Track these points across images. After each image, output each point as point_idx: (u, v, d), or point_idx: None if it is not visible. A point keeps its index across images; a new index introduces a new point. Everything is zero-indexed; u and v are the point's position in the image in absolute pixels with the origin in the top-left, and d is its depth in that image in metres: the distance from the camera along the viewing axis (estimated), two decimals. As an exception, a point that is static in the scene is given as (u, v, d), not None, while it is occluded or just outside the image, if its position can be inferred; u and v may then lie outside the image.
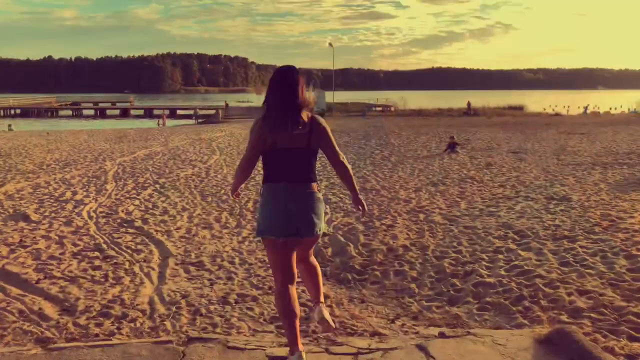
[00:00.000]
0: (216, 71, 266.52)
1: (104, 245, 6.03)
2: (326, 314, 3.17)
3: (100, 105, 75.29)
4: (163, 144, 20.31)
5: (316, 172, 3.09)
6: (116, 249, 5.87)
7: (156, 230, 6.82)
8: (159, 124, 41.59)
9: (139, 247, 5.98)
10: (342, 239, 6.12)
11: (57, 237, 6.40)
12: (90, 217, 7.66)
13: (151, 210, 8.17)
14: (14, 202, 8.77)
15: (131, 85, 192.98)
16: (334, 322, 3.36)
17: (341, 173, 3.20)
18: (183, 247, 5.99)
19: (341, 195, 9.19)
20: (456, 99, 75.35)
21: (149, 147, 19.04)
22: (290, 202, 2.91)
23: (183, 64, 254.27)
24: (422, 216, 7.36)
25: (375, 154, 15.93)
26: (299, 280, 3.24)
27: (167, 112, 59.44)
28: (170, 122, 44.88)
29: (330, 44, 52.23)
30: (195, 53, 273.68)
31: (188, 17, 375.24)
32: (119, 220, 7.47)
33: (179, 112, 63.92)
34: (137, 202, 8.81)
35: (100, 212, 7.99)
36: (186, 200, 8.99)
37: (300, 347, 2.92)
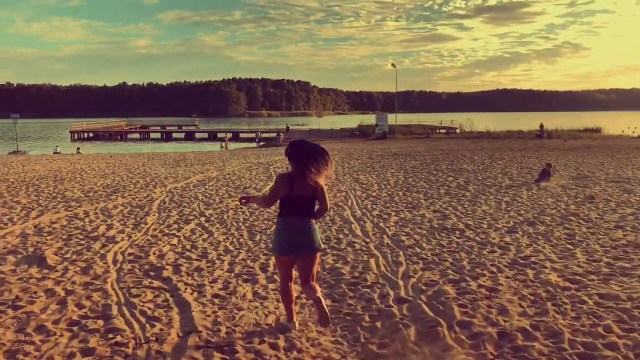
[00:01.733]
0: (279, 95, 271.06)
1: (114, 308, 4.66)
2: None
3: (167, 128, 77.28)
4: (220, 168, 19.35)
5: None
6: (127, 315, 4.50)
7: (186, 285, 5.41)
8: (222, 147, 41.54)
9: (157, 313, 4.58)
10: (429, 311, 4.45)
11: (63, 293, 5.12)
12: (115, 262, 6.39)
13: (188, 253, 6.81)
14: (39, 239, 7.71)
15: (198, 109, 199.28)
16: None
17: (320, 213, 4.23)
18: (213, 314, 4.52)
19: (416, 236, 7.51)
20: (524, 121, 71.52)
21: (204, 171, 18.09)
22: (297, 230, 4.06)
23: (247, 89, 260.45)
24: (530, 273, 5.55)
25: (449, 181, 14.08)
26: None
27: (230, 135, 59.73)
28: (232, 145, 44.83)
29: (393, 65, 50.69)
30: (259, 78, 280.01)
31: (253, 44, 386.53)
32: (146, 267, 6.15)
33: (241, 135, 64.35)
34: (174, 241, 7.50)
35: (129, 255, 6.73)
36: (231, 239, 7.61)
37: (295, 321, 4.30)
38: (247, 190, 12.89)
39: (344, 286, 5.31)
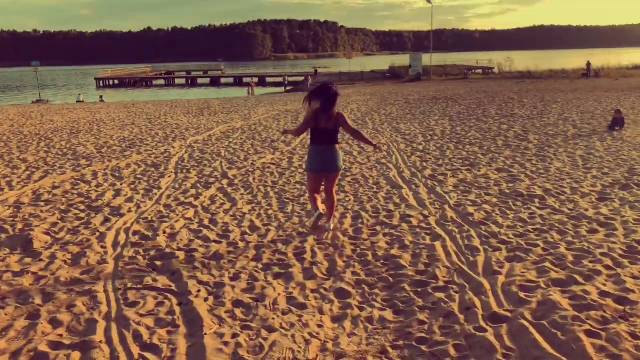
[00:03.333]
0: (306, 37, 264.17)
1: (100, 328, 3.42)
2: (332, 225, 5.42)
3: (192, 74, 75.64)
4: (245, 117, 17.94)
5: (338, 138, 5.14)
6: (115, 342, 3.24)
7: (199, 284, 4.14)
8: (248, 93, 40.03)
9: (156, 337, 3.30)
10: (544, 342, 3.03)
11: (38, 300, 3.91)
12: (115, 246, 5.16)
13: (205, 231, 5.53)
14: (34, 210, 6.55)
15: (224, 53, 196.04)
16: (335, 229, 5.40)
17: (354, 135, 5.39)
18: (233, 341, 3.22)
19: (487, 207, 6.04)
20: (565, 60, 67.41)
21: (229, 121, 16.72)
22: (325, 154, 5.15)
23: (273, 31, 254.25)
24: (664, 268, 4.07)
25: (504, 130, 12.38)
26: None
27: (256, 80, 57.87)
28: (259, 91, 43.17)
29: (428, 1, 47.28)
30: (285, 19, 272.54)
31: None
32: (152, 253, 4.90)
33: (268, 79, 62.37)
34: (190, 214, 6.23)
35: (134, 235, 5.49)
36: (258, 210, 6.29)
37: (320, 207, 5.18)
38: (274, 145, 11.49)
39: (407, 287, 3.96)
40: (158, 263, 4.66)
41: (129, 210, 6.45)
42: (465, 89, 28.35)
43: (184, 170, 8.91)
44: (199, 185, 7.79)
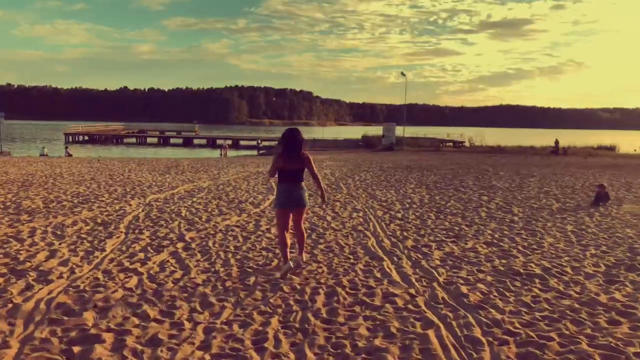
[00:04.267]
0: (281, 104, 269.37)
1: None
2: (303, 257, 6.02)
3: (166, 133, 75.00)
4: (214, 177, 17.06)
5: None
6: None
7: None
8: (221, 154, 39.49)
9: None
10: None
11: None
12: (28, 322, 4.09)
13: (145, 306, 4.50)
14: (-58, 272, 5.41)
15: (199, 116, 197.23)
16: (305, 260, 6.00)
17: (313, 178, 6.00)
18: None
19: (482, 286, 5.21)
20: (531, 137, 69.44)
21: (196, 180, 15.80)
22: (291, 191, 5.69)
23: (250, 97, 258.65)
24: None
25: (485, 201, 11.80)
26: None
27: (229, 142, 57.52)
28: (232, 153, 42.68)
29: (402, 73, 48.59)
30: (262, 86, 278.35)
31: (256, 52, 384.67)
32: (72, 335, 3.85)
33: (242, 142, 62.15)
34: (132, 283, 5.20)
35: (57, 307, 4.42)
36: (213, 281, 5.30)
37: (290, 263, 5.60)
38: (241, 206, 10.59)
39: (398, 395, 3.01)
40: (76, 349, 3.60)
41: (60, 276, 5.38)
42: (439, 160, 28.28)
43: (136, 231, 7.89)
44: (149, 248, 6.77)
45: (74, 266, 5.78)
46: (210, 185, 14.36)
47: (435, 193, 13.24)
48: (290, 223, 5.88)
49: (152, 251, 6.62)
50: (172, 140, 67.52)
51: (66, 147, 35.83)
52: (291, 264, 5.59)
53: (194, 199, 11.52)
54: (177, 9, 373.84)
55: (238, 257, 6.36)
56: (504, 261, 6.26)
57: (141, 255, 6.39)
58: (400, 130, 48.22)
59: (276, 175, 5.74)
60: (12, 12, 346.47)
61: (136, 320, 4.18)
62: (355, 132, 74.39)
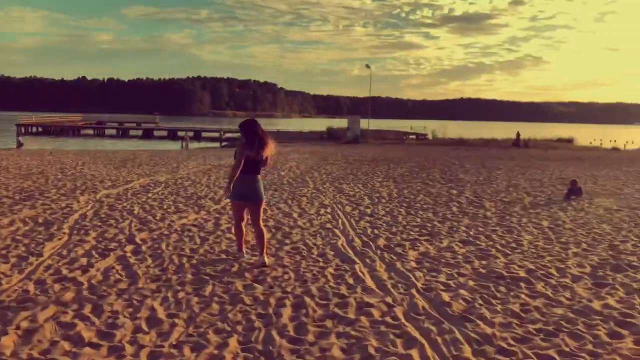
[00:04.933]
0: (245, 96, 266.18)
1: None
2: (266, 259, 5.57)
3: (125, 125, 72.62)
4: (172, 170, 16.21)
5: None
6: None
7: None
8: (182, 147, 38.29)
9: None
10: None
11: None
12: None
13: (80, 327, 3.82)
14: None
15: (161, 107, 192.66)
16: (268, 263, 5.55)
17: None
18: None
19: (464, 292, 4.73)
20: (491, 130, 70.53)
21: (153, 174, 14.93)
22: (248, 183, 5.52)
23: (212, 88, 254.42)
24: None
25: (454, 195, 11.45)
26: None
27: (191, 134, 56.01)
28: (194, 145, 41.45)
29: (367, 65, 48.44)
30: (225, 77, 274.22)
31: (220, 43, 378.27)
32: (-17, 368, 3.16)
33: (204, 134, 60.67)
34: (68, 296, 4.49)
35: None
36: (164, 292, 4.65)
37: (244, 251, 5.88)
38: (200, 202, 9.89)
39: None
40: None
41: (-17, 288, 4.62)
42: (403, 153, 28.04)
43: (81, 232, 7.11)
44: (94, 252, 6.03)
45: (0, 276, 5.01)
46: (168, 180, 13.55)
47: (404, 187, 12.83)
48: (247, 219, 5.80)
49: (96, 256, 5.89)
50: (131, 132, 65.39)
51: (19, 141, 33.83)
52: (244, 254, 5.76)
53: (149, 195, 10.73)
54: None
55: (194, 261, 5.71)
56: (484, 262, 5.82)
57: (83, 260, 5.66)
58: (365, 123, 48.00)
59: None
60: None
61: (66, 346, 3.50)
62: (319, 124, 73.91)
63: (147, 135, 62.52)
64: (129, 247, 6.27)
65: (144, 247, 6.30)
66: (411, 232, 7.42)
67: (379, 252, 6.25)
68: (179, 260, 5.75)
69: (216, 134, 52.46)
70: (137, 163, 18.87)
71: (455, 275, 5.27)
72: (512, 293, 4.74)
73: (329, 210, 9.26)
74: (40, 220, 7.82)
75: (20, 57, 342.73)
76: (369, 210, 9.24)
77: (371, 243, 6.69)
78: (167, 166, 17.78)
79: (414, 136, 55.67)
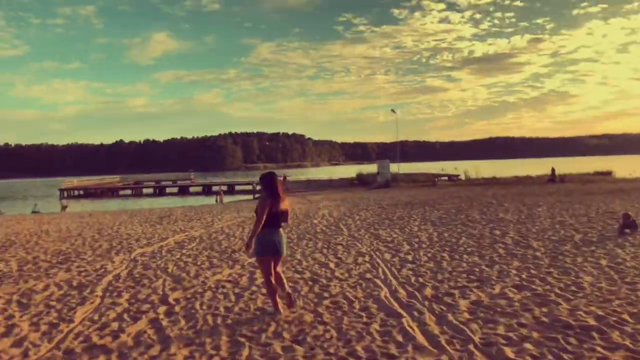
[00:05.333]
0: (275, 148, 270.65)
1: None
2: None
3: (162, 183, 74.17)
4: (207, 225, 16.11)
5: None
6: None
7: None
8: (216, 201, 38.72)
9: None
10: None
11: None
12: None
13: (109, 401, 3.50)
14: None
15: (195, 164, 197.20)
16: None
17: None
18: None
19: (529, 347, 4.23)
20: (524, 167, 69.18)
21: (188, 230, 14.85)
22: (276, 237, 5.51)
23: (243, 143, 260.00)
24: None
25: (498, 236, 10.87)
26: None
27: (224, 188, 56.69)
28: (228, 198, 41.79)
29: (393, 110, 48.34)
30: (255, 132, 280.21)
31: (248, 100, 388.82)
32: None
33: (237, 187, 61.37)
34: (97, 366, 4.21)
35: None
36: (197, 358, 4.31)
37: (280, 309, 5.57)
38: (234, 256, 9.62)
39: None
40: None
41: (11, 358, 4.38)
42: (437, 195, 27.44)
43: (114, 294, 6.90)
44: (125, 315, 5.78)
45: (29, 346, 4.78)
46: (202, 234, 13.40)
47: (443, 230, 12.31)
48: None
49: (128, 319, 5.62)
50: (167, 190, 66.70)
51: (63, 206, 34.73)
52: (282, 310, 5.60)
53: (184, 251, 10.55)
54: (168, 63, 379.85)
55: (229, 321, 5.37)
56: (544, 309, 5.29)
57: (115, 325, 5.40)
58: (394, 167, 47.65)
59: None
60: (9, 74, 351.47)
61: None
62: (348, 171, 73.94)
63: (183, 191, 63.64)
64: (161, 309, 6.00)
65: (177, 308, 6.01)
66: (459, 279, 6.93)
67: (426, 303, 5.78)
68: (214, 320, 5.43)
69: (249, 187, 52.93)
70: (172, 219, 18.92)
71: (516, 326, 4.77)
72: (585, 345, 4.21)
73: (367, 258, 8.84)
74: (74, 284, 7.66)
75: (62, 125, 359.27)
76: (410, 257, 8.78)
77: (417, 293, 6.23)
78: (201, 221, 17.73)
79: (445, 178, 54.95)
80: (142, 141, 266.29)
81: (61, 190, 62.61)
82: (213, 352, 4.48)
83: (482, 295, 6.02)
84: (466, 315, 5.23)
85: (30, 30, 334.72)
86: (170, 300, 6.39)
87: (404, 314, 5.38)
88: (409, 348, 4.34)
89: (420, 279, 7.00)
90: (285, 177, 53.00)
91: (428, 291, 6.31)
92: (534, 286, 6.35)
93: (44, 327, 5.39)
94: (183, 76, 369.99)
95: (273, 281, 5.56)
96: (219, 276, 7.79)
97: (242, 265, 8.61)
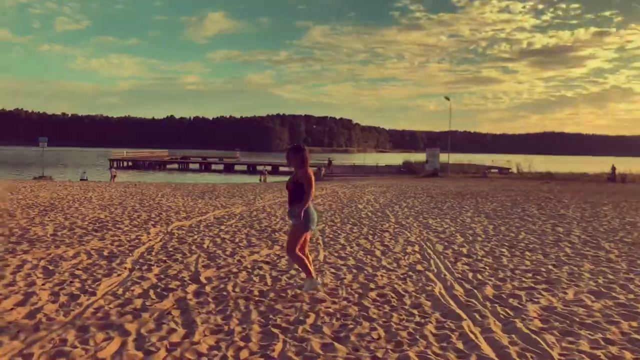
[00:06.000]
0: (321, 132, 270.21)
1: None
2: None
3: (208, 160, 75.11)
4: (248, 202, 15.69)
5: None
6: None
7: None
8: (260, 180, 38.72)
9: None
10: None
11: None
12: None
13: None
14: None
15: (242, 143, 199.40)
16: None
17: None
18: None
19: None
20: (578, 164, 65.91)
21: (229, 206, 14.45)
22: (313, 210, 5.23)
23: (290, 125, 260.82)
24: None
25: (562, 233, 9.87)
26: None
27: (269, 168, 56.68)
28: (272, 178, 41.70)
29: (446, 98, 46.69)
30: (303, 115, 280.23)
31: (298, 82, 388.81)
32: None
33: (281, 168, 61.28)
34: (110, 350, 3.69)
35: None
36: (223, 350, 3.74)
37: (314, 275, 5.30)
38: (274, 236, 9.06)
39: None
40: None
41: (15, 336, 3.93)
42: (488, 187, 26.15)
43: (144, 267, 6.44)
44: (152, 292, 5.28)
45: (43, 319, 4.33)
46: (243, 212, 12.95)
47: (499, 223, 11.37)
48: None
49: (153, 297, 5.12)
50: (213, 167, 67.40)
51: (113, 176, 35.45)
52: (318, 278, 5.51)
53: (222, 227, 10.09)
54: (221, 42, 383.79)
55: (262, 308, 4.77)
56: (633, 324, 4.43)
57: (138, 302, 4.90)
58: (444, 157, 46.20)
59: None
60: (70, 47, 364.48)
61: None
62: (395, 158, 72.54)
63: (228, 169, 64.18)
64: (191, 287, 5.47)
65: (207, 288, 5.47)
66: (523, 279, 6.09)
67: (488, 304, 5.01)
68: (246, 306, 4.84)
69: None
70: (215, 195, 18.63)
71: (602, 343, 3.95)
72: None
73: (416, 248, 8.09)
74: (105, 253, 7.28)
75: (118, 99, 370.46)
76: (464, 250, 7.97)
77: (476, 292, 5.46)
78: (243, 198, 17.35)
79: (496, 170, 53.03)
80: (191, 118, 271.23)
81: (111, 161, 64.28)
82: (242, 343, 3.88)
83: (553, 300, 5.18)
84: (538, 323, 4.44)
85: (92, 5, 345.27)
86: (202, 278, 5.87)
87: (463, 315, 4.63)
88: (473, 359, 3.61)
89: (479, 276, 6.21)
90: (330, 161, 52.40)
91: (489, 290, 5.52)
92: (614, 294, 5.46)
93: (63, 299, 4.95)
94: (235, 56, 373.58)
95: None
96: (256, 256, 7.23)
97: (282, 246, 8.03)
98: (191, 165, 68.42)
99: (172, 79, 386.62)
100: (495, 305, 4.98)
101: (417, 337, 4.06)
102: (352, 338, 4.01)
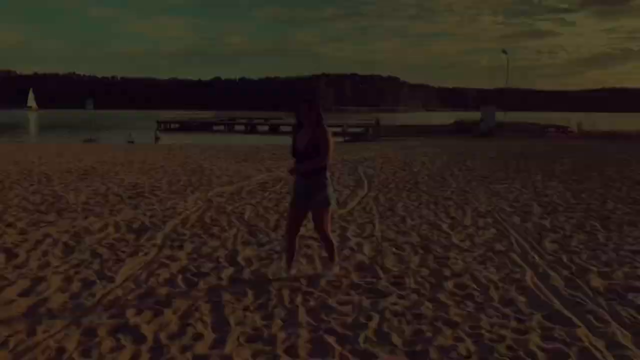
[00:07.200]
0: (368, 91, 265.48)
1: None
2: (335, 268, 4.52)
3: (254, 121, 74.71)
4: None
5: None
6: None
7: None
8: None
9: None
10: None
11: None
12: None
13: None
14: None
15: (288, 104, 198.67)
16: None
17: None
18: None
19: None
20: (643, 121, 61.32)
21: (273, 169, 13.60)
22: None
23: (336, 84, 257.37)
24: None
25: (658, 202, 8.44)
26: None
27: (315, 128, 55.52)
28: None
29: (504, 51, 43.84)
30: (349, 74, 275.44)
31: (343, 39, 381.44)
32: None
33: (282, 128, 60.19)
34: (123, 359, 2.83)
35: None
36: (263, 355, 2.81)
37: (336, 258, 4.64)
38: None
39: None
40: None
41: (4, 342, 3.13)
42: (550, 147, 24.21)
43: (175, 244, 5.60)
44: (180, 279, 4.41)
45: (43, 317, 3.52)
46: (288, 176, 12.03)
47: (577, 189, 9.97)
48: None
49: (181, 285, 4.25)
50: (259, 128, 66.98)
51: (157, 138, 35.41)
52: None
53: (266, 194, 9.20)
54: (266, 0, 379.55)
55: (311, 303, 3.82)
56: None
57: (162, 292, 4.04)
58: (500, 115, 43.76)
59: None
60: (118, 9, 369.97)
61: None
62: (445, 117, 69.88)
63: (274, 130, 63.53)
64: (227, 272, 4.58)
65: (246, 272, 4.57)
66: (636, 263, 4.88)
67: (602, 301, 3.87)
68: (291, 299, 3.90)
69: (338, 129, 51.28)
70: (259, 158, 17.81)
71: None
72: None
73: (489, 220, 6.92)
74: (134, 226, 6.50)
75: (164, 61, 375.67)
76: (547, 224, 6.74)
77: (579, 282, 4.31)
78: (289, 160, 16.45)
79: (553, 129, 50.05)
80: (237, 79, 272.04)
81: (158, 123, 64.81)
82: (287, 358, 2.94)
83: (689, 296, 3.98)
84: (684, 334, 3.29)
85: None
86: (240, 260, 4.97)
87: (574, 318, 3.52)
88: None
89: (576, 259, 5.03)
90: (378, 121, 50.73)
91: (596, 281, 4.36)
92: None
93: (75, 287, 4.16)
94: (280, 14, 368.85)
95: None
96: (303, 230, 6.29)
97: (332, 217, 7.05)
98: (237, 127, 68.23)
99: (217, 39, 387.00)
100: (612, 302, 3.83)
101: (521, 353, 3.00)
102: (433, 355, 3.00)
